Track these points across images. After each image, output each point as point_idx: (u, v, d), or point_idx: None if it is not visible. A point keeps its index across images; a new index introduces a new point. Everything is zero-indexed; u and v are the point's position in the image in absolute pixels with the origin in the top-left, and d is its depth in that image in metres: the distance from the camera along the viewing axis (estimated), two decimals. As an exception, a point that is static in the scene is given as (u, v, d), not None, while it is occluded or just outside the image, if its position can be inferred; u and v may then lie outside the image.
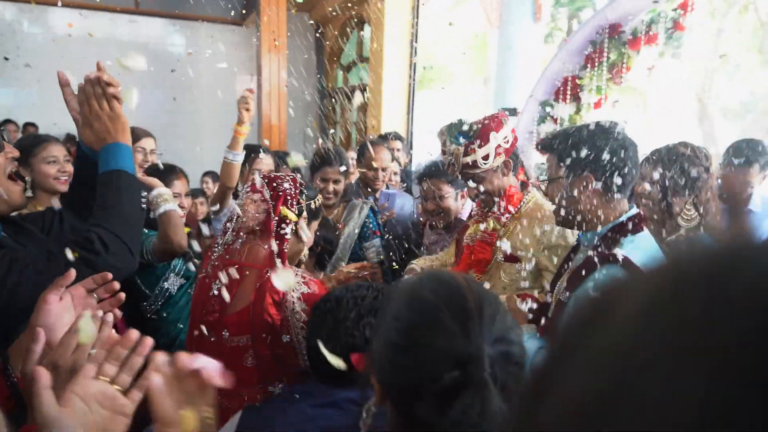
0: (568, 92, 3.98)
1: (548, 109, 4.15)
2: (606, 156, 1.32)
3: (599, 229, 1.38)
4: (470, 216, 2.22)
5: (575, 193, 1.36)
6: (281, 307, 1.42)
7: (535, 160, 4.22)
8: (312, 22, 7.99)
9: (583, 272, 1.32)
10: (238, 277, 1.41)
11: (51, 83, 1.51)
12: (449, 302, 0.70)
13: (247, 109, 2.47)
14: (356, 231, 2.50)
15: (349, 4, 7.03)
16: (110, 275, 1.08)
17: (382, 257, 2.52)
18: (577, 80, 3.95)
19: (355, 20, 7.22)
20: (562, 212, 1.41)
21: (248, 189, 1.54)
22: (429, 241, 2.69)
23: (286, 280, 1.35)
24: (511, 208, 1.95)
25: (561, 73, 4.00)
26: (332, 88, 7.97)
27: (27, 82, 7.02)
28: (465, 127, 1.94)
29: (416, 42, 6.09)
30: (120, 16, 7.42)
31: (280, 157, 2.95)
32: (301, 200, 1.51)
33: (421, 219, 2.79)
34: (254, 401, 1.37)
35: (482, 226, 2.01)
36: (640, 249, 1.30)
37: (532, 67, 7.17)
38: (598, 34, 3.83)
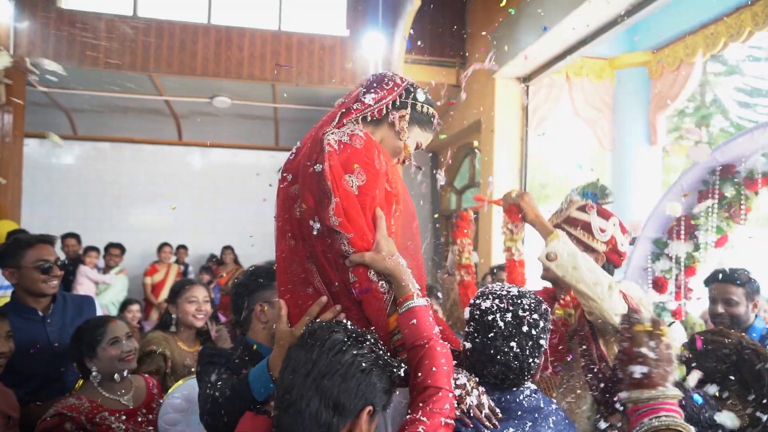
0: (682, 231, 3.84)
1: (662, 247, 4.01)
2: None
3: None
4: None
5: None
6: None
7: (652, 299, 4.02)
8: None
9: None
10: None
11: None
12: None
13: None
14: None
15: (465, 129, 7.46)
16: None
17: None
18: (691, 219, 3.82)
19: (468, 148, 7.62)
20: None
21: None
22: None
23: None
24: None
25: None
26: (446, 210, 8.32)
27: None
28: (598, 191, 2.05)
29: (526, 170, 6.26)
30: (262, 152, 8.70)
31: None
32: None
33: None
34: None
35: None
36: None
37: (651, 188, 6.91)
38: (709, 174, 3.74)
